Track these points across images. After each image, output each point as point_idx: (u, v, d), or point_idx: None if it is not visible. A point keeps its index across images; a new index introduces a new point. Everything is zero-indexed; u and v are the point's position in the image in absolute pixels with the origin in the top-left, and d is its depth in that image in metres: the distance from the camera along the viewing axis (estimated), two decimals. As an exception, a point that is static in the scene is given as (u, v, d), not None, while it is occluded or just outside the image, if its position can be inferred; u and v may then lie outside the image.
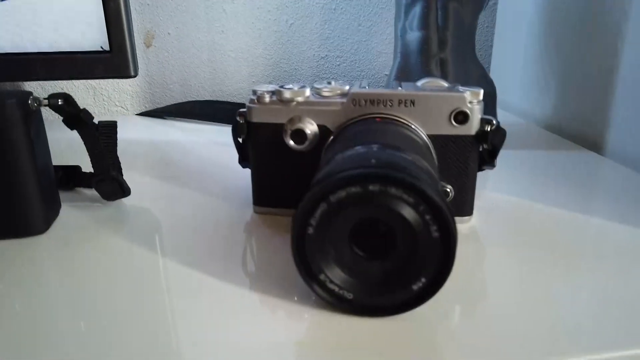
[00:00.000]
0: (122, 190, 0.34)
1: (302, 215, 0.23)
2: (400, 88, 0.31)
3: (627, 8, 0.44)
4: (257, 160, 0.34)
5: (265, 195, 0.34)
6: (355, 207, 0.23)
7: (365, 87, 0.32)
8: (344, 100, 0.31)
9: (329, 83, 0.32)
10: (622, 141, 0.46)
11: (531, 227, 0.33)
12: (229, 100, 0.67)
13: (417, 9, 0.44)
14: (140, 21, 0.62)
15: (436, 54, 0.44)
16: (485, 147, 0.31)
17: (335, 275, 0.24)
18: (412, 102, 0.30)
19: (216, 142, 0.51)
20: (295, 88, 0.32)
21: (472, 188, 0.32)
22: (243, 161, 0.35)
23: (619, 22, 0.45)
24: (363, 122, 0.30)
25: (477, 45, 0.63)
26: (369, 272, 0.24)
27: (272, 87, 0.33)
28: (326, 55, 0.68)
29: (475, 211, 0.33)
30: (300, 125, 0.31)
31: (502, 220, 0.34)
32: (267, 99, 0.32)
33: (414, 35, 0.45)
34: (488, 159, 0.32)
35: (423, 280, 0.23)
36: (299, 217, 0.23)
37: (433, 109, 0.30)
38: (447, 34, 0.44)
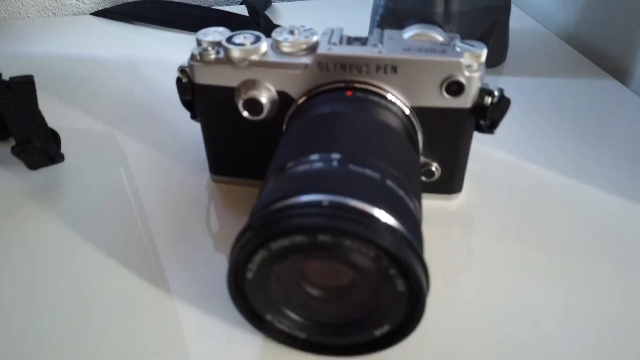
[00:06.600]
0: (51, 159, 0.29)
1: (237, 262, 0.18)
2: (380, 45, 0.24)
3: None
4: (207, 127, 0.28)
5: (222, 164, 0.29)
6: (303, 254, 0.18)
7: (336, 43, 0.25)
8: (309, 61, 0.24)
9: (292, 32, 0.25)
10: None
11: (530, 205, 0.28)
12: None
13: None
14: None
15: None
16: (483, 122, 0.25)
17: (284, 316, 0.20)
18: (394, 69, 0.24)
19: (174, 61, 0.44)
20: (248, 43, 0.25)
21: (463, 164, 0.27)
22: (195, 117, 0.29)
23: None
24: (330, 98, 0.24)
25: None
26: (323, 313, 0.20)
27: (219, 36, 0.26)
28: None
29: (465, 182, 0.28)
30: (254, 94, 0.25)
31: (497, 195, 0.29)
32: (212, 56, 0.25)
33: None
34: (486, 129, 0.26)
35: (386, 327, 0.19)
36: (233, 263, 0.18)
37: (419, 77, 0.24)
38: None
